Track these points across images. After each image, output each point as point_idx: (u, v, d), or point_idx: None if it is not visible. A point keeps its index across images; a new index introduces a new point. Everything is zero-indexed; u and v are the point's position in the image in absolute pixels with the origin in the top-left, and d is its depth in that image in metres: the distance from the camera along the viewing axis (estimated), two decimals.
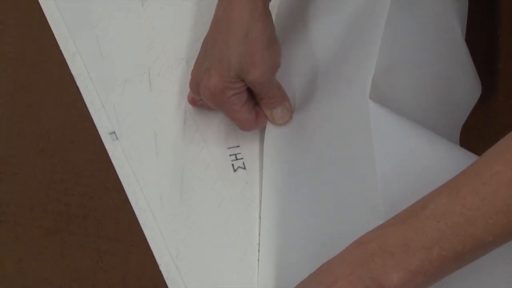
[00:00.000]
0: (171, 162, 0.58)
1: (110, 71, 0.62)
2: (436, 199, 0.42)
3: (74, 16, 0.64)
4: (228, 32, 0.52)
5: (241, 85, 0.53)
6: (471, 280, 0.47)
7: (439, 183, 0.44)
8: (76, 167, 0.59)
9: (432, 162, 0.49)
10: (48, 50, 0.63)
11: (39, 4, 0.65)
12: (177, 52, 0.63)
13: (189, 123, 0.60)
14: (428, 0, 0.58)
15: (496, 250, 0.42)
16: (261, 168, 0.58)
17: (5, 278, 0.56)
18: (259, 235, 0.56)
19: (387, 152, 0.51)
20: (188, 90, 0.59)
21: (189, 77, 0.58)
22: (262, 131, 0.59)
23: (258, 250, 0.55)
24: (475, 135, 0.66)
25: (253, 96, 0.57)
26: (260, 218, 0.56)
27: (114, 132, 0.60)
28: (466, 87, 0.61)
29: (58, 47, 0.63)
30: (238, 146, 0.59)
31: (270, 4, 0.54)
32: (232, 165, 0.59)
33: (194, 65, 0.57)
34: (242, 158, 0.59)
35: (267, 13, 0.53)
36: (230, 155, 0.59)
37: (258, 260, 0.55)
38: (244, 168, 0.58)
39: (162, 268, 0.55)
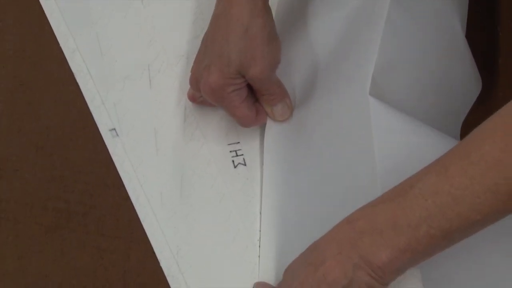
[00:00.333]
0: (171, 159, 0.58)
1: (110, 68, 0.62)
2: (424, 178, 0.42)
3: (74, 13, 0.64)
4: (228, 28, 0.52)
5: (241, 81, 0.53)
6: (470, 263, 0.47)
7: None
8: (76, 164, 0.59)
9: (433, 158, 0.49)
10: (48, 48, 0.63)
11: (39, 2, 0.65)
12: (177, 49, 0.63)
13: (189, 120, 0.60)
14: None
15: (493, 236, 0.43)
16: (262, 164, 0.58)
17: (5, 275, 0.56)
18: (260, 231, 0.56)
19: (387, 148, 0.51)
20: (188, 86, 0.59)
21: (189, 73, 0.58)
22: (263, 128, 0.59)
23: (259, 246, 0.55)
24: None
25: (253, 93, 0.57)
26: (260, 214, 0.56)
27: (114, 129, 0.60)
28: (466, 83, 0.62)
29: (58, 44, 0.63)
30: (239, 142, 0.59)
31: (270, 1, 0.54)
32: (233, 161, 0.59)
33: (194, 62, 0.57)
34: (242, 155, 0.59)
35: (267, 9, 0.53)
36: (230, 151, 0.59)
37: (259, 256, 0.55)
38: (245, 165, 0.58)
39: (162, 264, 0.55)
